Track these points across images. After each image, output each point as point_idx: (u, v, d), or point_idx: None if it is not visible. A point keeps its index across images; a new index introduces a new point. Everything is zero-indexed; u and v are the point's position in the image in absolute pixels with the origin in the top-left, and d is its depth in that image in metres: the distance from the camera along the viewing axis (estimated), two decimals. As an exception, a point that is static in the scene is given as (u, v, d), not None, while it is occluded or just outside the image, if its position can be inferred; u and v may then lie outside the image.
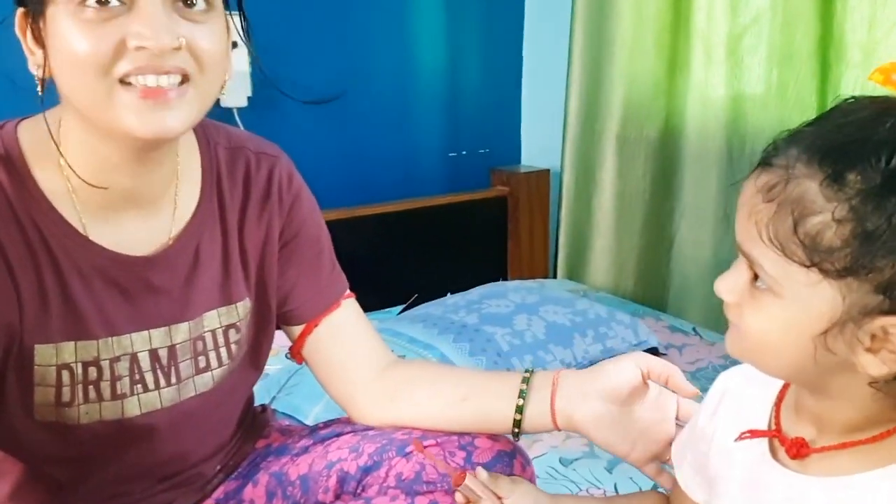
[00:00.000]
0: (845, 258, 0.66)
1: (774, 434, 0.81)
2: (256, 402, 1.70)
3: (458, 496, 1.02)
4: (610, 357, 1.97)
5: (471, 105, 2.71)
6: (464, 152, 2.70)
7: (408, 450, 1.15)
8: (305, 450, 1.22)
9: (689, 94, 2.36)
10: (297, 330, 1.23)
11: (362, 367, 1.23)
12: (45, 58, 0.91)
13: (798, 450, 0.78)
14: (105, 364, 1.03)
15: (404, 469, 1.13)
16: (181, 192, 1.07)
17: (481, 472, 1.02)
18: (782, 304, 0.71)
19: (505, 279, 2.67)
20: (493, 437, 1.17)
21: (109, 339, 1.02)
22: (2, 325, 0.95)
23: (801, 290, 0.69)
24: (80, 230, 0.99)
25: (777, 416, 0.82)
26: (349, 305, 1.24)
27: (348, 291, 1.25)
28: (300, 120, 2.29)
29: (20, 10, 0.93)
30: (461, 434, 1.16)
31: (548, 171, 2.73)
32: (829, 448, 0.76)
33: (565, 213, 2.66)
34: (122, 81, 0.89)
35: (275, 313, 1.20)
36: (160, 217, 1.06)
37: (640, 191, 2.50)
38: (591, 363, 1.96)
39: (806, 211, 0.67)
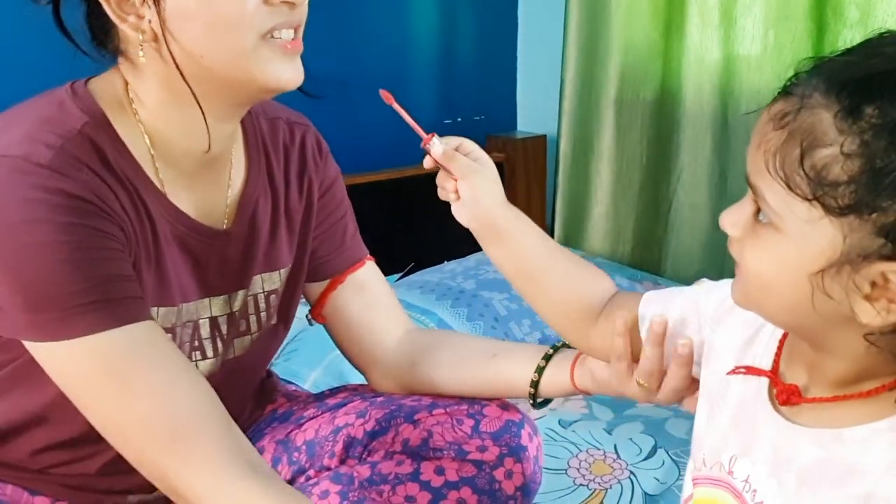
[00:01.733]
0: (849, 195, 0.63)
1: (770, 375, 0.78)
2: None
3: (436, 149, 1.01)
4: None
5: (466, 71, 2.69)
6: (459, 119, 2.68)
7: (415, 417, 1.15)
8: (312, 417, 1.23)
9: (684, 56, 2.35)
10: (320, 288, 1.24)
11: (385, 330, 1.25)
12: (162, 21, 0.92)
13: (789, 397, 0.76)
14: (178, 331, 1.05)
15: (411, 435, 1.14)
16: (234, 158, 1.10)
17: (436, 147, 1.00)
18: (782, 239, 0.68)
19: None
20: (503, 405, 1.18)
21: (182, 305, 1.04)
22: (132, 260, 0.96)
23: (802, 225, 0.66)
24: (162, 192, 1.01)
25: (778, 356, 0.80)
26: (372, 266, 1.27)
27: (369, 255, 1.27)
28: (295, 91, 2.25)
29: None
30: (471, 402, 1.17)
31: (544, 136, 2.72)
32: (821, 399, 0.74)
33: (562, 180, 2.65)
34: (264, 36, 0.94)
35: (306, 271, 1.21)
36: (220, 183, 1.09)
37: (637, 155, 2.50)
38: None
39: (816, 142, 0.64)
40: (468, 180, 0.99)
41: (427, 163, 1.02)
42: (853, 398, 0.72)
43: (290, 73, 0.99)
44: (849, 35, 1.97)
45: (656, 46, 2.41)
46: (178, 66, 0.95)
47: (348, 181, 2.21)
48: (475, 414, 1.16)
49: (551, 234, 2.71)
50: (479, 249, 2.31)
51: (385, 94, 1.04)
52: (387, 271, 2.28)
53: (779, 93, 0.69)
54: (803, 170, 0.64)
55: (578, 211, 2.64)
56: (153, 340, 0.95)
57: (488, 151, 2.60)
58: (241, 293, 1.12)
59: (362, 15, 2.44)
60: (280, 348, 1.30)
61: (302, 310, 1.28)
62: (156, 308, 1.01)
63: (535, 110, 2.80)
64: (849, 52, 0.67)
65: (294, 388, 1.39)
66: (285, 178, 1.17)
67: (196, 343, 1.09)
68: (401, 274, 2.37)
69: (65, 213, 0.90)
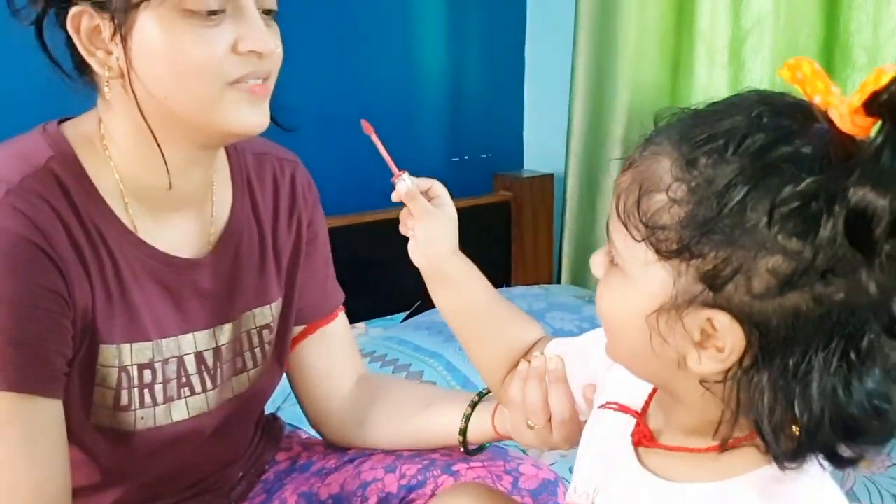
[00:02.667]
0: (675, 239, 0.65)
1: (635, 414, 0.79)
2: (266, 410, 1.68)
3: (401, 186, 1.05)
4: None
5: (473, 109, 2.69)
6: (466, 157, 2.68)
7: (454, 468, 1.15)
8: (335, 469, 1.22)
9: (692, 97, 2.34)
10: (292, 333, 1.24)
11: (340, 379, 1.27)
12: (128, 59, 0.93)
13: (640, 439, 0.77)
14: (158, 366, 1.04)
15: None
16: (217, 194, 1.10)
17: (402, 183, 1.05)
18: (626, 281, 0.70)
19: (509, 285, 2.65)
20: (536, 465, 1.19)
21: (160, 341, 1.04)
22: (79, 307, 0.96)
23: (640, 267, 0.68)
24: (131, 229, 1.01)
25: (650, 396, 0.80)
26: (342, 318, 1.28)
27: (342, 304, 1.29)
28: (305, 125, 2.16)
29: (77, 9, 0.93)
30: (505, 458, 1.18)
31: (551, 175, 2.71)
32: (667, 447, 0.75)
33: (569, 218, 2.64)
34: (231, 84, 0.94)
35: (295, 312, 1.22)
36: (201, 218, 1.08)
37: None
38: None
39: (652, 186, 0.66)
40: (424, 222, 1.03)
41: (393, 196, 1.06)
42: (696, 451, 0.72)
43: (254, 119, 0.98)
44: (857, 78, 1.97)
45: (664, 86, 2.41)
46: (139, 105, 0.96)
47: (354, 219, 2.29)
48: (512, 471, 1.17)
49: (558, 273, 2.71)
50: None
51: (365, 125, 1.07)
52: (393, 310, 2.38)
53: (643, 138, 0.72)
54: (639, 212, 0.66)
55: (586, 250, 2.62)
56: (29, 416, 0.93)
57: (495, 190, 2.68)
58: (227, 327, 1.11)
59: (370, 53, 2.44)
60: (277, 385, 1.28)
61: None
62: (128, 344, 1.01)
63: (542, 149, 2.80)
64: (712, 104, 0.69)
65: (306, 435, 1.39)
66: (273, 213, 1.17)
67: (183, 379, 1.08)
68: (407, 313, 2.35)
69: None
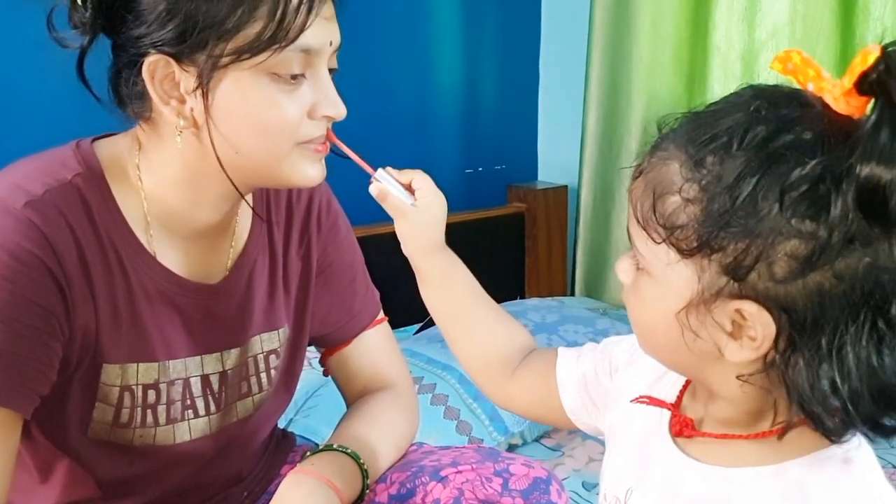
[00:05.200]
0: (693, 236, 0.67)
1: (670, 406, 0.80)
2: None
3: (372, 187, 1.00)
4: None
5: (487, 121, 2.69)
6: (480, 169, 2.68)
7: (442, 473, 1.14)
8: None
9: (708, 109, 2.33)
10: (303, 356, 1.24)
11: (358, 391, 1.25)
12: (207, 111, 0.94)
13: (682, 428, 0.78)
14: (163, 387, 1.05)
15: (441, 494, 1.12)
16: (239, 222, 1.11)
17: (372, 185, 1.01)
18: (652, 283, 0.72)
19: (523, 297, 2.63)
20: (528, 463, 1.18)
21: (168, 362, 1.04)
22: (79, 325, 0.96)
23: (665, 268, 0.70)
24: (151, 253, 1.02)
25: (683, 390, 0.82)
26: (380, 329, 1.27)
27: (381, 315, 1.27)
28: None
29: (155, 58, 0.93)
30: (494, 459, 1.17)
31: (565, 187, 2.70)
32: (711, 435, 0.76)
33: (583, 230, 2.64)
34: (300, 143, 0.97)
35: (308, 338, 1.21)
36: (221, 245, 1.09)
37: None
38: None
39: (664, 189, 0.68)
40: (397, 222, 1.00)
41: (372, 190, 1.02)
42: (741, 438, 0.73)
43: (315, 173, 1.01)
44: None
45: (679, 98, 2.40)
46: (216, 154, 0.97)
47: (371, 230, 2.21)
48: (502, 472, 1.15)
49: (572, 285, 2.70)
50: (506, 300, 2.34)
51: (329, 134, 1.02)
52: (406, 322, 2.32)
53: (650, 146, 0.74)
54: (656, 216, 0.69)
55: (600, 262, 2.61)
56: None
57: (509, 201, 2.66)
58: (234, 352, 1.11)
59: (383, 66, 2.43)
60: (285, 410, 1.29)
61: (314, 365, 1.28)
62: (134, 364, 1.02)
63: (556, 160, 2.79)
64: (710, 105, 0.71)
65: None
66: (285, 237, 1.17)
67: (188, 402, 1.08)
68: (420, 325, 2.34)
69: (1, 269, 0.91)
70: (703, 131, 0.68)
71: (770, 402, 0.71)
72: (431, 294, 1.02)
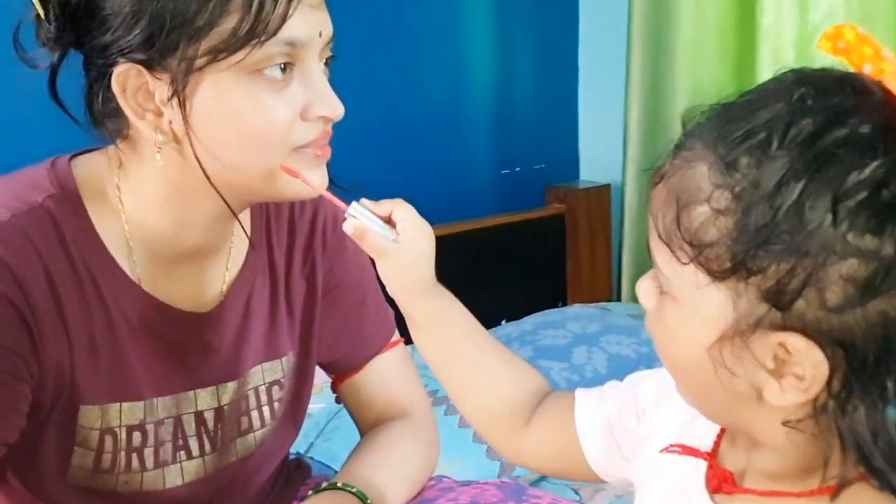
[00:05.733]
0: (726, 256, 0.58)
1: (705, 456, 0.71)
2: (293, 450, 1.63)
3: (347, 225, 0.87)
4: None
5: (524, 118, 2.62)
6: (517, 169, 2.60)
7: None
8: None
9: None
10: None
11: (371, 419, 1.19)
12: (187, 122, 0.87)
13: (721, 483, 0.68)
14: (150, 428, 0.99)
15: None
16: (235, 243, 1.04)
17: (346, 224, 0.88)
18: (678, 310, 0.63)
19: (564, 304, 2.55)
20: (556, 500, 1.15)
21: (155, 399, 0.99)
22: (50, 364, 0.91)
23: (693, 293, 0.61)
24: (135, 280, 0.96)
25: (720, 437, 0.73)
26: (395, 353, 1.19)
27: (396, 336, 1.19)
28: (343, 141, 2.17)
29: (124, 68, 0.86)
30: (520, 499, 1.12)
31: (608, 186, 2.62)
32: (754, 492, 0.67)
33: (628, 231, 2.55)
34: (295, 150, 0.90)
35: (315, 365, 1.15)
36: (215, 268, 1.03)
37: None
38: None
39: (690, 198, 0.60)
40: (379, 262, 0.88)
41: (347, 227, 0.89)
42: (789, 496, 0.64)
43: (316, 180, 0.92)
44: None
45: (725, 89, 2.21)
46: (203, 170, 0.89)
47: None
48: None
49: (618, 290, 2.63)
50: (546, 308, 2.25)
51: (285, 168, 0.91)
52: None
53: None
54: (680, 230, 0.60)
55: (646, 265, 2.41)
56: None
57: (548, 203, 2.58)
58: (231, 385, 1.04)
59: (414, 62, 2.38)
60: (292, 444, 1.21)
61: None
62: (116, 403, 0.95)
63: (598, 158, 2.71)
64: (744, 94, 0.62)
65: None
66: (287, 256, 1.09)
67: (180, 441, 1.01)
68: None
69: None
70: (735, 126, 0.59)
71: (824, 452, 0.62)
72: (424, 340, 0.90)
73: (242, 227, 0.99)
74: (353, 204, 0.86)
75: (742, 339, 0.59)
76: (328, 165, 0.96)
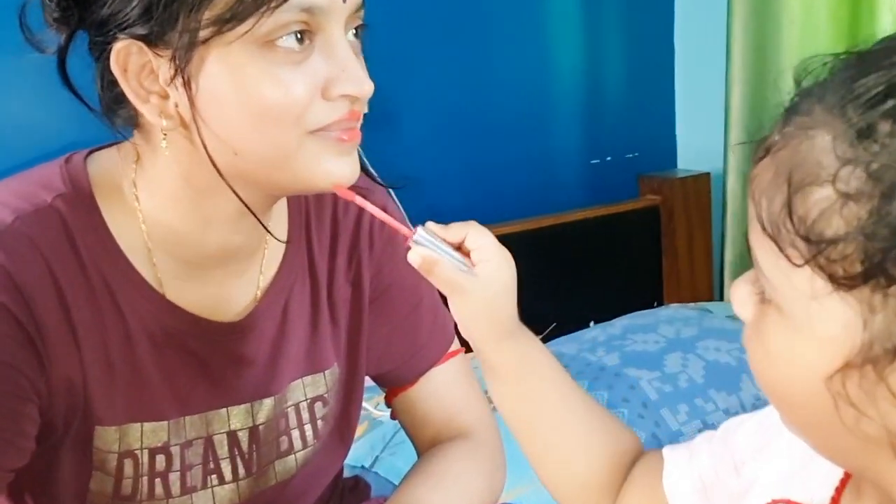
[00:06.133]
0: (856, 256, 0.46)
1: None
2: (356, 463, 1.52)
3: (412, 255, 0.76)
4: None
5: (615, 103, 2.51)
6: (609, 158, 2.50)
7: None
8: None
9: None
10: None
11: (428, 438, 1.11)
12: (193, 104, 0.78)
13: None
14: (175, 450, 0.92)
15: None
16: (271, 243, 0.97)
17: (413, 253, 0.77)
18: (786, 327, 0.51)
19: (660, 303, 2.43)
20: None
21: (182, 419, 0.92)
22: (60, 382, 0.85)
23: (808, 304, 0.49)
24: (156, 287, 0.89)
25: (841, 487, 0.61)
26: (454, 364, 1.10)
27: (455, 346, 1.11)
28: (421, 134, 2.16)
29: (123, 44, 0.78)
30: None
31: (708, 175, 2.49)
32: None
33: (731, 224, 2.40)
34: (314, 132, 0.80)
35: (364, 378, 1.08)
36: (247, 272, 0.95)
37: None
38: None
39: (807, 177, 0.48)
40: (452, 299, 0.77)
41: (412, 257, 0.78)
42: None
43: (341, 169, 0.82)
44: None
45: None
46: (210, 158, 0.80)
47: None
48: None
49: (720, 289, 2.50)
50: (640, 308, 2.13)
51: (340, 191, 0.83)
52: None
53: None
54: (793, 221, 0.49)
55: (751, 260, 2.31)
56: None
57: (642, 193, 2.51)
58: (267, 402, 0.97)
59: (496, 45, 2.29)
60: (340, 465, 1.12)
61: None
62: (137, 424, 0.89)
63: (696, 144, 2.59)
64: (880, 42, 0.51)
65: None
66: (330, 259, 1.01)
67: (210, 465, 0.94)
68: (539, 337, 2.11)
69: None
70: (871, 82, 0.47)
71: None
72: (503, 391, 0.79)
73: (262, 225, 0.88)
74: (419, 230, 0.75)
75: (876, 370, 0.48)
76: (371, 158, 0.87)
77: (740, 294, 0.56)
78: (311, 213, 1.00)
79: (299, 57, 0.77)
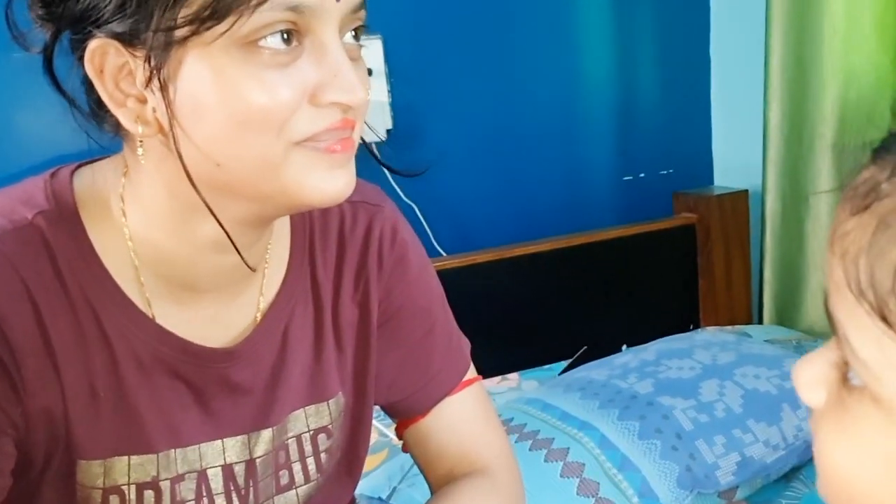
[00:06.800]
0: None
1: None
2: (373, 494, 1.46)
3: None
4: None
5: (649, 118, 2.43)
6: (642, 175, 2.43)
7: None
8: None
9: (928, 89, 1.97)
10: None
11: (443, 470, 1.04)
12: (169, 109, 0.72)
13: None
14: (165, 486, 0.87)
15: None
16: (272, 263, 0.92)
17: None
18: (882, 418, 0.42)
19: (696, 326, 2.34)
20: None
21: (172, 451, 0.86)
22: (37, 413, 0.80)
23: None
24: (144, 310, 0.84)
25: None
26: (470, 394, 1.04)
27: (472, 374, 1.05)
28: (449, 150, 2.11)
29: (98, 43, 0.73)
30: None
31: (746, 192, 2.40)
32: None
33: (770, 243, 2.31)
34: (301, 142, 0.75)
35: (372, 408, 1.02)
36: (245, 294, 0.90)
37: None
38: (808, 446, 1.54)
39: None
40: None
41: None
42: None
43: (331, 185, 0.76)
44: None
45: (886, 77, 2.04)
46: (186, 170, 0.74)
47: (504, 253, 2.09)
48: None
49: (759, 310, 2.40)
50: (675, 331, 2.05)
51: None
52: (556, 356, 2.10)
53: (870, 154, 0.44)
54: None
55: (793, 280, 2.29)
56: None
57: (676, 212, 2.45)
58: (266, 433, 0.91)
59: (526, 57, 2.24)
60: (349, 499, 1.05)
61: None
62: (124, 457, 0.83)
63: (734, 160, 2.51)
64: None
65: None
66: (335, 278, 0.95)
67: (205, 500, 0.88)
68: (570, 361, 2.10)
69: None
70: None
71: None
72: None
73: (237, 249, 0.80)
74: None
75: None
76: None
77: (810, 375, 0.48)
78: (316, 228, 0.94)
79: (286, 59, 0.71)
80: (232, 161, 0.74)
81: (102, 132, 0.80)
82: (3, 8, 0.77)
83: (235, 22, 0.68)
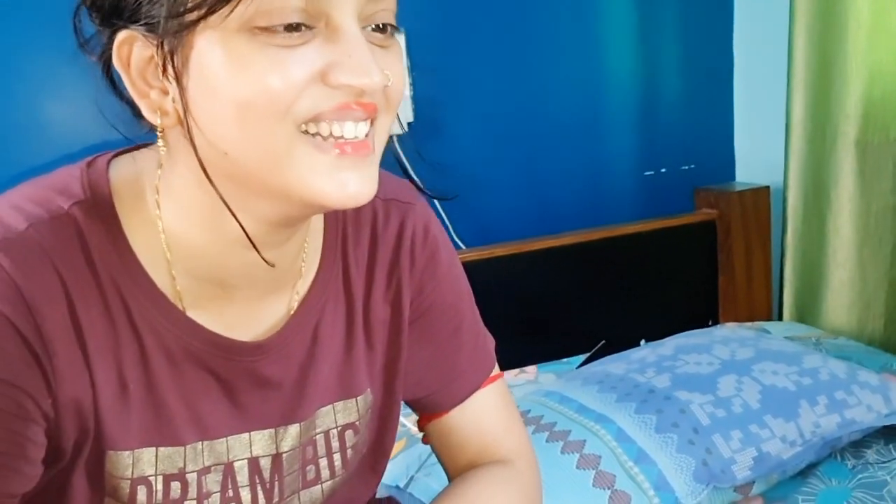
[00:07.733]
0: None
1: None
2: (391, 482, 1.46)
3: None
4: (849, 433, 1.55)
5: (670, 113, 2.43)
6: (663, 170, 2.43)
7: None
8: None
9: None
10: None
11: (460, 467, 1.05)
12: (184, 99, 0.72)
13: None
14: (192, 477, 0.86)
15: None
16: (308, 261, 0.91)
17: None
18: None
19: (715, 322, 2.32)
20: None
21: (199, 444, 0.86)
22: (68, 403, 0.79)
23: None
24: (175, 303, 0.83)
25: None
26: (494, 390, 1.05)
27: (496, 371, 1.06)
28: (472, 145, 2.12)
29: (125, 35, 0.73)
30: None
31: (767, 188, 2.38)
32: None
33: (791, 240, 2.29)
34: (306, 130, 0.72)
35: (400, 405, 1.02)
36: (281, 293, 0.89)
37: (887, 208, 2.08)
38: (825, 442, 1.54)
39: None
40: None
41: None
42: None
43: (343, 187, 0.73)
44: None
45: None
46: (199, 160, 0.73)
47: (523, 247, 2.11)
48: None
49: (779, 307, 2.37)
50: (695, 326, 2.04)
51: None
52: (574, 350, 2.10)
53: None
54: None
55: (813, 278, 2.26)
56: None
57: (697, 207, 2.45)
58: (293, 428, 0.90)
59: (547, 52, 2.24)
60: (372, 495, 1.06)
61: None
62: (152, 448, 0.83)
63: (755, 156, 2.50)
64: None
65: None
66: (367, 277, 0.95)
67: (230, 492, 0.88)
68: (587, 355, 2.10)
69: None
70: None
71: None
72: None
73: (255, 246, 0.79)
74: None
75: None
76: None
77: None
78: (349, 226, 0.94)
79: (299, 40, 0.70)
80: (238, 150, 0.72)
81: (141, 126, 0.80)
82: (72, 16, 0.78)
83: (247, 7, 0.67)
